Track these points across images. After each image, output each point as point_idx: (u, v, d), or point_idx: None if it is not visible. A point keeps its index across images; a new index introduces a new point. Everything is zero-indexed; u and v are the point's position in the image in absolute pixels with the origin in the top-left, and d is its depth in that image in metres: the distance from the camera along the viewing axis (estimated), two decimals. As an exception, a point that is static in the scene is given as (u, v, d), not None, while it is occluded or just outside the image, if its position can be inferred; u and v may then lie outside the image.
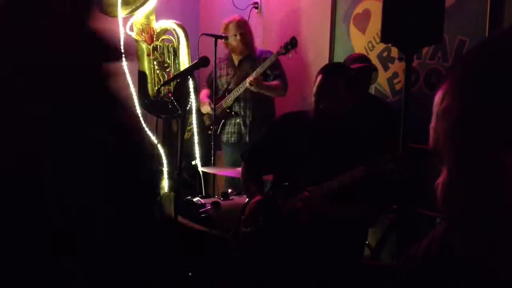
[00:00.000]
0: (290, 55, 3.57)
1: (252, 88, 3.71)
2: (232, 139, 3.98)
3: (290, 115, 2.49)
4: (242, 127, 3.94)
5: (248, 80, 3.69)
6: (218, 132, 4.04)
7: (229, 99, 3.93)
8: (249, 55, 3.92)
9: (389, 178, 1.95)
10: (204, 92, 4.13)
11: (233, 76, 3.97)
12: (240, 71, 3.93)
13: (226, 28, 3.94)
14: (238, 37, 3.88)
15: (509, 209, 0.50)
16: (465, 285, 0.62)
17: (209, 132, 4.10)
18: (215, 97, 3.98)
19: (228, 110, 3.97)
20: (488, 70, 0.54)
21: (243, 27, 3.91)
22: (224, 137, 4.02)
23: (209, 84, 4.15)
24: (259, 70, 3.70)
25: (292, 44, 3.53)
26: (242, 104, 3.93)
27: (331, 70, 2.20)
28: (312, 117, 2.23)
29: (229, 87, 3.96)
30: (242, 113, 3.93)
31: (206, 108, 4.07)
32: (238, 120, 3.94)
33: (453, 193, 0.57)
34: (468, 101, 0.55)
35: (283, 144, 2.31)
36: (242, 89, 3.82)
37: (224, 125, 4.03)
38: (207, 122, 4.13)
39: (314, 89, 2.18)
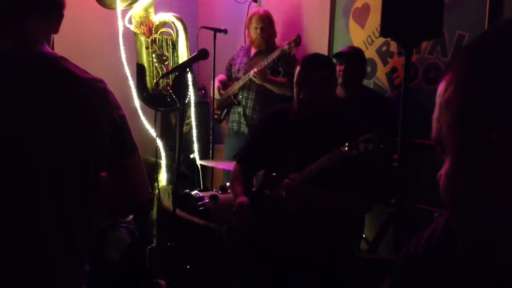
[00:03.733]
0: (292, 53, 3.59)
1: (256, 80, 3.72)
2: (235, 127, 4.01)
3: (276, 111, 2.55)
4: (241, 117, 3.96)
5: (252, 71, 3.70)
6: (221, 118, 4.07)
7: (235, 87, 3.96)
8: (266, 50, 3.87)
9: (366, 159, 1.96)
10: (219, 77, 4.15)
11: (245, 65, 3.99)
12: (252, 62, 3.93)
13: (250, 19, 3.96)
14: (258, 30, 3.88)
15: None
16: (467, 275, 0.62)
17: (215, 116, 4.12)
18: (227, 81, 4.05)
19: (233, 98, 4.00)
20: (490, 60, 0.54)
21: (265, 21, 3.90)
22: (230, 125, 4.07)
23: (226, 70, 4.17)
24: (264, 62, 3.71)
25: (296, 42, 3.53)
26: (245, 94, 3.94)
27: (308, 62, 2.27)
28: (294, 108, 2.30)
29: (238, 75, 3.99)
30: (244, 103, 3.95)
31: (215, 93, 4.11)
32: (239, 109, 3.96)
33: (456, 183, 0.57)
34: (471, 91, 0.55)
35: (271, 139, 2.36)
36: (246, 79, 3.84)
37: (228, 112, 4.06)
38: (215, 106, 4.15)
39: (294, 80, 2.26)
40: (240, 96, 3.96)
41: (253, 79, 3.71)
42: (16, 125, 1.20)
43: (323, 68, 2.24)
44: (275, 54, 3.64)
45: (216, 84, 4.06)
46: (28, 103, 1.21)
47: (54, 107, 1.22)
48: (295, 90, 2.25)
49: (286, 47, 3.55)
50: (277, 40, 3.99)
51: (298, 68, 2.25)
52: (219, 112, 4.07)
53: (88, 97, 1.26)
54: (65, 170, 1.23)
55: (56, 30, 1.37)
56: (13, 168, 1.19)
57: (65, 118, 1.23)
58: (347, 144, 1.95)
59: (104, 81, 1.32)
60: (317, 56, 2.39)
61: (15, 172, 1.19)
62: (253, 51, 4.02)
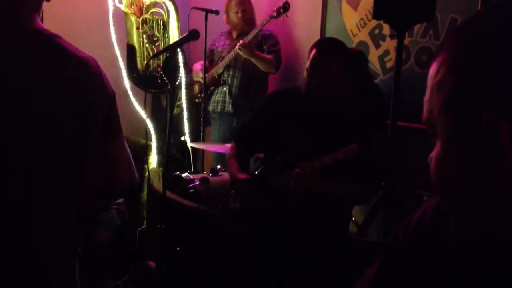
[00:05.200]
0: (281, 19, 3.59)
1: (241, 53, 3.69)
2: (218, 108, 3.96)
3: (281, 92, 2.46)
4: (227, 96, 3.92)
5: (238, 43, 3.66)
6: (205, 100, 4.03)
7: (219, 66, 3.93)
8: (248, 31, 3.86)
9: (381, 157, 1.96)
10: (199, 62, 4.12)
11: (229, 47, 3.97)
12: (235, 43, 3.91)
13: (229, 4, 3.93)
14: (239, 14, 3.88)
15: (504, 179, 0.50)
16: (457, 258, 0.63)
17: (196, 100, 4.08)
18: (209, 67, 3.99)
19: (217, 78, 3.96)
20: (482, 41, 0.54)
21: (245, 4, 3.90)
22: (210, 106, 4.02)
23: (208, 58, 4.14)
24: (250, 35, 3.69)
25: (284, 8, 3.54)
26: (231, 73, 3.92)
27: (326, 47, 2.12)
28: (303, 93, 2.18)
29: (222, 55, 3.97)
30: (229, 81, 3.92)
31: (196, 75, 4.06)
32: (224, 89, 3.93)
33: (447, 166, 0.57)
34: (463, 73, 0.54)
35: (274, 122, 2.27)
36: (232, 55, 3.81)
37: (211, 94, 4.02)
38: (196, 91, 4.11)
39: (307, 63, 2.13)
40: (226, 75, 3.94)
41: (239, 52, 3.68)
42: (12, 107, 1.18)
43: (339, 54, 2.11)
44: (264, 23, 3.66)
45: (199, 67, 4.03)
46: (24, 83, 1.19)
47: (49, 86, 1.21)
48: (306, 74, 2.12)
49: (274, 13, 3.57)
50: (260, 19, 3.99)
51: (313, 52, 2.10)
52: (201, 95, 4.01)
53: (83, 75, 1.25)
54: (61, 154, 1.22)
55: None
56: (8, 156, 1.18)
57: (60, 98, 1.21)
58: (362, 140, 1.90)
59: (96, 59, 1.31)
60: (333, 40, 2.23)
61: (10, 160, 1.18)
62: (234, 34, 4.01)
